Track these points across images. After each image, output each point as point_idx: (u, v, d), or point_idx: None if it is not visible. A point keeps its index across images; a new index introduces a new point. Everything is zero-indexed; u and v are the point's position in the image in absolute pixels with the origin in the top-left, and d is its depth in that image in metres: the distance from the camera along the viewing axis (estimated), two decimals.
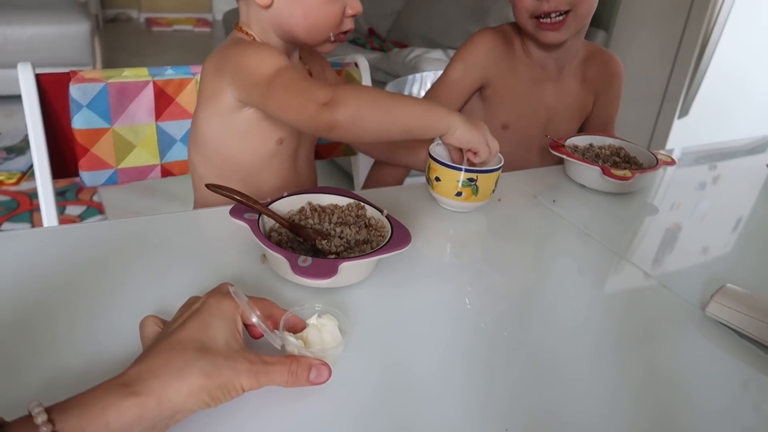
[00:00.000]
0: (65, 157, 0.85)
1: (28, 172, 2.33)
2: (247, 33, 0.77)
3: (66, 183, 2.28)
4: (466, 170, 0.73)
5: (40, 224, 2.13)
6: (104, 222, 0.69)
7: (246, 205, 0.62)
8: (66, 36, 2.87)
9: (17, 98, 2.72)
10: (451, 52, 2.30)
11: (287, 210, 0.67)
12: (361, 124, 0.67)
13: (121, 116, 0.82)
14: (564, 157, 0.86)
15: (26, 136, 2.60)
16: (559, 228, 0.77)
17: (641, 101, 2.12)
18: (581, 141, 0.92)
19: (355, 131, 0.68)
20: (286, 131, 0.81)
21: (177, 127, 0.86)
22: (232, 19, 3.34)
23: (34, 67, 0.77)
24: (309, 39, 0.77)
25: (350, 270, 0.54)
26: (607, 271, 0.70)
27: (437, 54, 2.22)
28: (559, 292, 0.64)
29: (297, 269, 0.51)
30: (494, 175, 0.75)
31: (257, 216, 0.61)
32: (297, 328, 0.48)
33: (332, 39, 0.77)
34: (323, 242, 0.62)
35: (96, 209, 2.19)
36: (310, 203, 0.68)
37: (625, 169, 0.84)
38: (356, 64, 1.00)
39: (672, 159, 0.88)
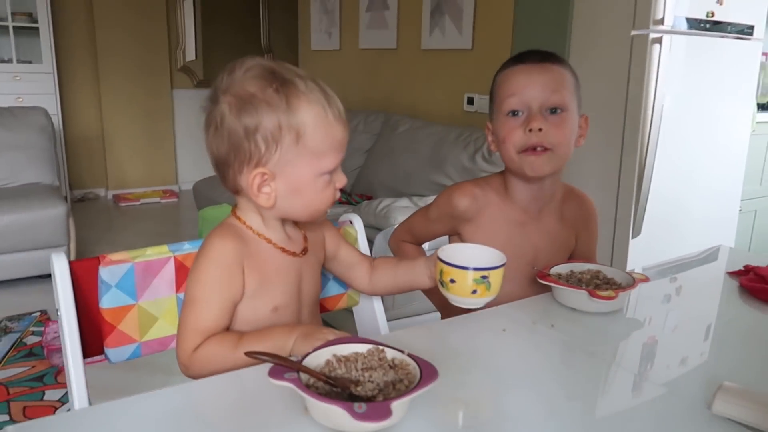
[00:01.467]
0: (87, 337, 0.88)
1: (3, 361, 2.27)
2: (240, 219, 0.86)
3: (44, 367, 2.23)
4: (479, 269, 0.81)
5: (21, 416, 2.03)
6: (138, 396, 0.71)
7: (283, 366, 0.67)
8: (43, 220, 2.94)
9: None
10: (416, 199, 2.48)
11: (314, 365, 0.72)
12: (213, 372, 0.76)
13: (146, 292, 0.88)
14: (552, 285, 0.96)
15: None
16: (562, 348, 0.84)
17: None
18: (563, 269, 1.02)
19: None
20: (281, 299, 0.87)
21: None
22: (203, 189, 3.51)
23: (68, 255, 0.84)
24: (308, 219, 0.87)
25: (399, 408, 0.59)
26: (615, 384, 0.76)
27: (404, 202, 2.40)
28: (575, 408, 0.69)
29: (356, 416, 0.56)
30: (502, 269, 0.83)
31: (296, 374, 0.66)
32: None
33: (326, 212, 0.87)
34: (357, 388, 0.67)
35: None
36: (334, 355, 0.73)
37: (607, 290, 0.93)
38: (351, 222, 1.11)
39: (645, 276, 0.99)
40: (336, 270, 1.02)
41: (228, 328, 0.83)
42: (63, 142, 4.35)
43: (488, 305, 0.98)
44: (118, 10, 4.62)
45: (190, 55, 5.09)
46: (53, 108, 4.17)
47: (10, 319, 2.62)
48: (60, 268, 0.83)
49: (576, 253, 1.19)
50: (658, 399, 0.72)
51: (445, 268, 0.83)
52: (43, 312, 2.69)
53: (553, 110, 1.02)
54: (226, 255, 0.82)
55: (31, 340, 2.44)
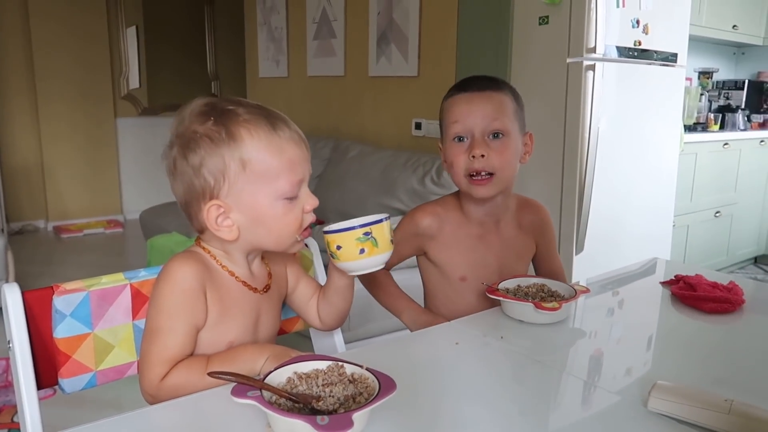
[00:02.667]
0: (39, 368, 0.87)
1: None
2: (205, 249, 0.87)
3: None
4: (359, 227, 0.81)
5: None
6: (96, 424, 0.71)
7: (246, 385, 0.69)
8: None
9: None
10: None
11: (276, 383, 0.73)
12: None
13: (101, 320, 0.88)
14: (500, 299, 1.01)
15: None
16: (512, 358, 0.89)
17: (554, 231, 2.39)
18: (510, 284, 1.07)
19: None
20: (236, 333, 0.86)
21: None
22: (150, 218, 3.45)
23: (26, 283, 0.83)
24: (278, 247, 0.86)
25: (360, 419, 0.62)
26: (559, 389, 0.81)
27: None
28: (526, 413, 0.73)
29: (319, 428, 0.58)
30: (385, 224, 0.83)
31: (259, 392, 0.68)
32: None
33: (299, 239, 0.86)
34: (319, 403, 0.69)
35: (18, 431, 2.03)
36: (295, 372, 0.75)
37: (552, 301, 0.99)
38: (306, 245, 1.13)
39: (586, 288, 1.05)
40: (294, 304, 1.01)
41: (192, 354, 0.83)
42: None
43: (449, 314, 1.01)
44: (58, 38, 4.53)
45: (134, 82, 5.02)
46: None
47: None
48: (12, 298, 0.82)
49: (538, 258, 1.26)
50: (600, 400, 0.77)
51: (329, 237, 0.82)
52: None
53: (495, 135, 1.09)
54: (187, 279, 0.81)
55: None
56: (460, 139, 1.10)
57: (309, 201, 0.85)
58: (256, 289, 0.89)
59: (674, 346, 0.98)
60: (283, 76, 4.09)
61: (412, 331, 1.15)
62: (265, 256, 0.94)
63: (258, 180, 0.80)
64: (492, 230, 1.18)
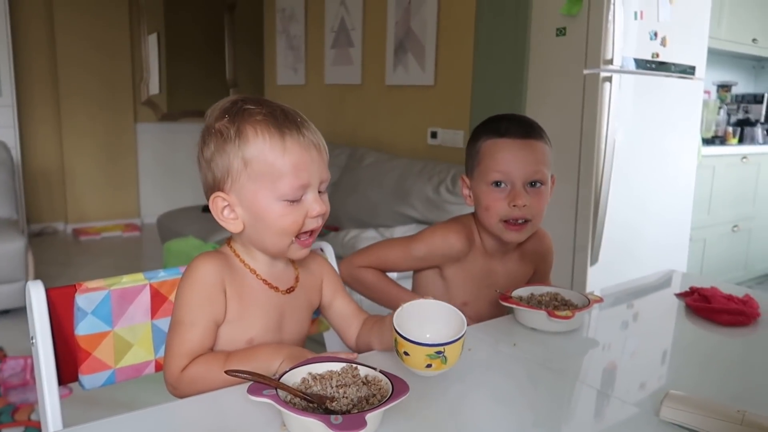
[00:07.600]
0: (60, 365, 0.89)
1: None
2: (232, 248, 0.89)
3: (0, 405, 2.15)
4: (434, 345, 0.76)
5: None
6: (117, 418, 0.73)
7: (262, 384, 0.70)
8: (0, 255, 2.88)
9: None
10: (383, 230, 2.53)
11: (291, 382, 0.75)
12: (201, 391, 0.79)
13: (121, 318, 0.90)
14: (514, 306, 1.01)
15: None
16: (524, 366, 0.89)
17: (556, 255, 2.38)
18: (524, 292, 1.08)
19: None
20: (257, 331, 0.87)
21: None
22: (167, 222, 3.50)
23: (44, 284, 0.85)
24: (275, 247, 0.85)
25: (373, 420, 0.63)
26: (572, 397, 0.81)
27: (371, 233, 2.44)
28: (536, 419, 0.74)
29: (332, 427, 0.59)
30: (460, 342, 0.78)
31: (274, 391, 0.69)
32: None
33: (294, 241, 0.85)
34: (333, 404, 0.70)
35: (35, 429, 2.06)
36: (310, 373, 0.77)
37: (565, 310, 0.99)
38: (322, 249, 1.15)
39: (600, 297, 1.05)
40: (330, 320, 1.01)
41: (213, 349, 0.85)
42: (21, 175, 4.27)
43: None
44: (81, 45, 4.61)
45: (154, 88, 5.10)
46: (12, 141, 4.11)
47: None
48: (37, 295, 0.84)
49: (533, 280, 1.28)
50: (613, 409, 0.78)
51: (399, 339, 0.79)
52: (0, 348, 2.61)
53: (533, 183, 1.11)
54: (207, 276, 0.84)
55: None
56: (498, 184, 1.11)
57: (314, 207, 0.84)
58: (277, 288, 0.90)
59: (689, 358, 0.98)
60: (300, 84, 4.13)
61: None
62: (297, 261, 0.94)
63: (258, 179, 0.82)
64: (499, 260, 1.21)
